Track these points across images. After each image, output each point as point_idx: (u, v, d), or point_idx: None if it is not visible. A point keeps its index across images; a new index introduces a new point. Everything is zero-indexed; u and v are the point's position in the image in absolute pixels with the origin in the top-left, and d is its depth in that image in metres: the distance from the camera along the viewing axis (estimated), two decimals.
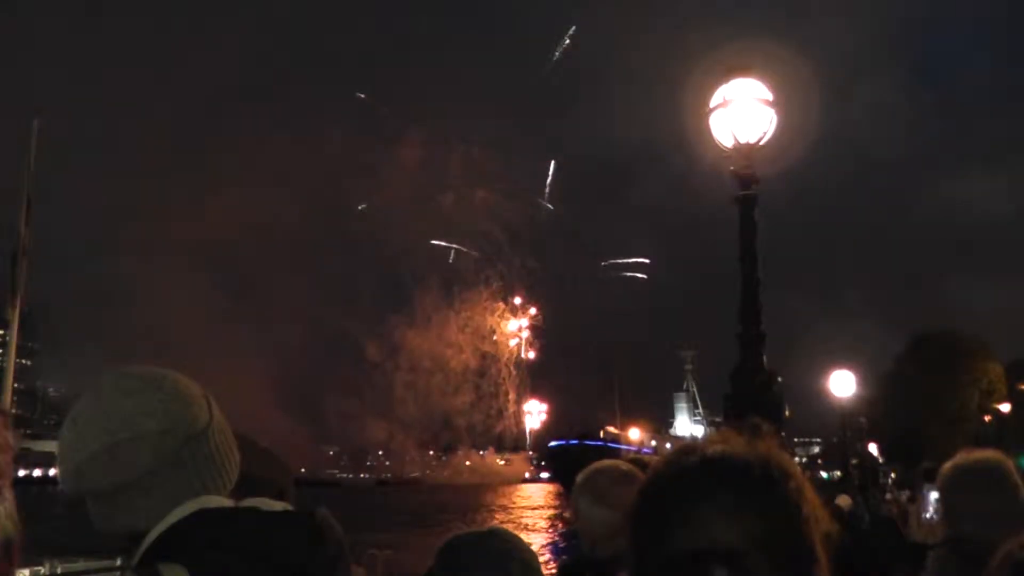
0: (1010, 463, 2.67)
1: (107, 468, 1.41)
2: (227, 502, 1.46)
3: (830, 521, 1.10)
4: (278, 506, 1.47)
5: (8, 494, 1.08)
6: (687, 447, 1.14)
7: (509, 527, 2.30)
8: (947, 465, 2.74)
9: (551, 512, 65.02)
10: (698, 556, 1.01)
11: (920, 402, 54.00)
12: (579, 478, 2.74)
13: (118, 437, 1.42)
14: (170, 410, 1.46)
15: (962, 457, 2.72)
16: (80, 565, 15.16)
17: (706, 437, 1.16)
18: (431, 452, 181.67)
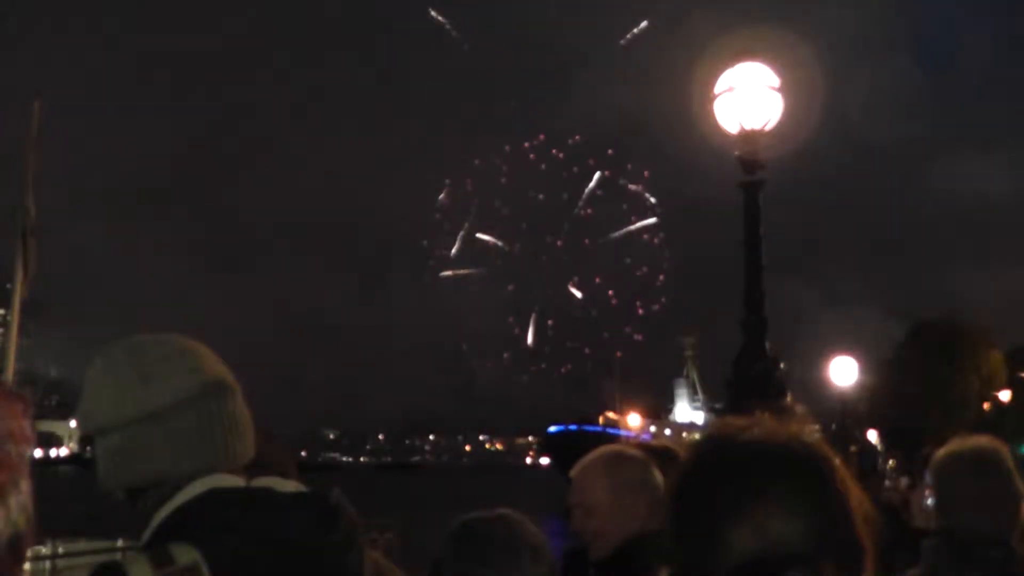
0: (1005, 451, 2.58)
1: (137, 395, 1.39)
2: (239, 481, 1.43)
3: (870, 504, 1.00)
4: (291, 486, 1.45)
5: (24, 486, 1.05)
6: (721, 433, 1.03)
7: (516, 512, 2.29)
8: (940, 452, 2.65)
9: (556, 498, 65.09)
10: (769, 564, 0.90)
11: (920, 389, 53.91)
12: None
13: (150, 368, 1.40)
14: (199, 367, 1.44)
15: (956, 445, 2.62)
16: (83, 545, 15.23)
17: (729, 422, 1.03)
18: (431, 437, 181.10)
